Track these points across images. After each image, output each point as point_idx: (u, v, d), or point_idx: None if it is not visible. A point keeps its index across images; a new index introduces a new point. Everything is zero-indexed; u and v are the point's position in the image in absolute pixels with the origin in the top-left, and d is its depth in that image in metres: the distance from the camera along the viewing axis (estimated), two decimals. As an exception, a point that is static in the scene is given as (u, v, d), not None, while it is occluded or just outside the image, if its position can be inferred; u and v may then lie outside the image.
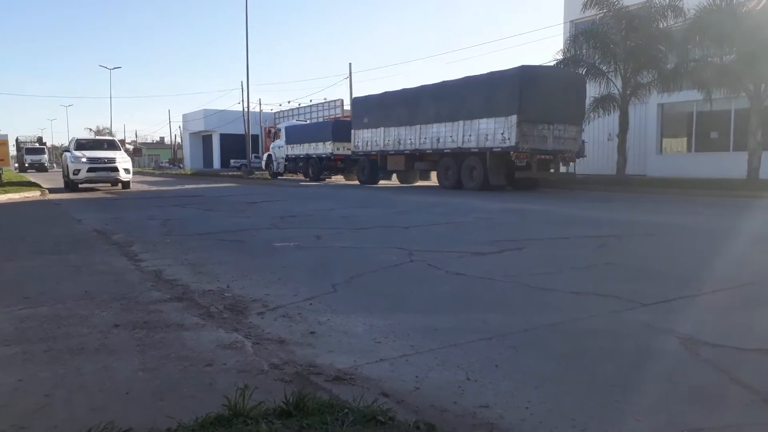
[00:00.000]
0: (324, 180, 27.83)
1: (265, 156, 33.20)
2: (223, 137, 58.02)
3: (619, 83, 20.61)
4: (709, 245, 6.87)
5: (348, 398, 2.30)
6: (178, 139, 73.43)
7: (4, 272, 5.29)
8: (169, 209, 12.22)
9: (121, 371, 2.72)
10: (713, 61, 18.19)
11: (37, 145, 57.65)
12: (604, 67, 20.66)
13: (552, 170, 18.32)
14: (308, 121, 40.46)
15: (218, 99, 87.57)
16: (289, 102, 52.55)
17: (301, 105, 50.85)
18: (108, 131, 74.12)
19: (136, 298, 4.12)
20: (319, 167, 27.25)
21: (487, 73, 18.25)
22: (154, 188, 21.53)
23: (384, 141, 22.23)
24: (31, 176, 32.60)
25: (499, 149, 17.24)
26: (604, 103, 20.89)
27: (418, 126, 20.42)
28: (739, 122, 21.41)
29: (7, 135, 21.84)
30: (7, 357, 2.94)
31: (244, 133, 37.77)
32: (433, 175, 22.23)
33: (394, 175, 24.15)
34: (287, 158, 29.78)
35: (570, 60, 21.05)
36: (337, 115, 40.65)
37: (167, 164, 68.91)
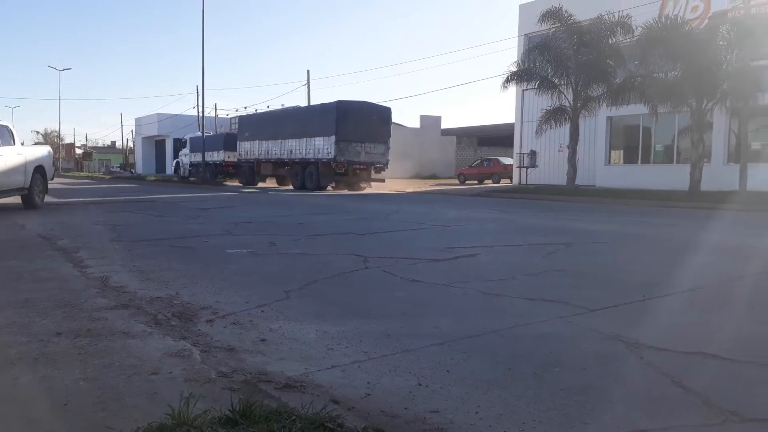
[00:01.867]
0: (220, 183, 32.19)
1: (174, 162, 38.15)
2: (177, 142, 56.71)
3: (570, 96, 21.20)
4: (655, 253, 7.11)
5: (297, 406, 2.26)
6: (130, 144, 71.43)
7: (-64, 279, 5.01)
8: (119, 214, 11.87)
9: (60, 381, 2.61)
10: (659, 77, 18.92)
11: None
12: (556, 80, 21.24)
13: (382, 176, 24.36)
14: None
15: (172, 103, 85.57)
16: (246, 108, 51.91)
17: (258, 111, 50.32)
18: (56, 134, 71.56)
19: (80, 306, 3.97)
20: (215, 172, 32.99)
21: (320, 104, 24.82)
22: (102, 187, 20.87)
23: (259, 151, 27.62)
24: None
25: (326, 160, 22.86)
26: (555, 115, 21.46)
27: (280, 140, 25.86)
28: (682, 136, 22.32)
29: None
30: (-64, 367, 2.77)
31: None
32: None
33: (269, 179, 29.30)
34: (191, 164, 35.20)
35: (524, 72, 21.56)
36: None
37: (118, 169, 66.84)
